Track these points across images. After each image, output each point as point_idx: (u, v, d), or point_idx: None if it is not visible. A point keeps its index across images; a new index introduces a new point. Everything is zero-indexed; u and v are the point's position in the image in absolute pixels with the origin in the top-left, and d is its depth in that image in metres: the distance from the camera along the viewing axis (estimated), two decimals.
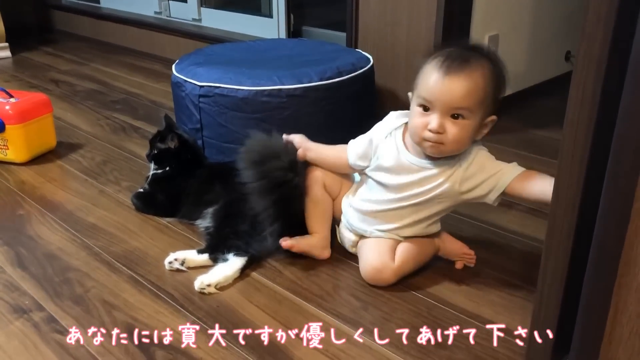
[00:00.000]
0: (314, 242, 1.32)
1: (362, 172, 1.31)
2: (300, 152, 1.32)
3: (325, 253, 1.33)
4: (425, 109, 1.14)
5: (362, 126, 1.86)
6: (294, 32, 2.75)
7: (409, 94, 1.21)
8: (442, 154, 1.17)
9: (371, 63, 1.87)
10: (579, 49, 0.73)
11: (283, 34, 2.75)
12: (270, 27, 2.80)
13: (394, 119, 1.27)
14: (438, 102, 1.12)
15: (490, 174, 1.18)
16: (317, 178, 1.33)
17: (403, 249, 1.25)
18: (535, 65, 2.42)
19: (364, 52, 1.97)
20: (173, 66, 1.89)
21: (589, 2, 0.71)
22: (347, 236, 1.33)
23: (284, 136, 1.34)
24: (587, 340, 0.81)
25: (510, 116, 2.18)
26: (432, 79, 1.12)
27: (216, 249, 1.32)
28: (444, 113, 1.12)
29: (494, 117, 1.17)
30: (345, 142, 1.89)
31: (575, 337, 0.81)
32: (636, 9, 0.67)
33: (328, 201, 1.35)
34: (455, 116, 1.12)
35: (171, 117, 1.73)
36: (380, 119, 1.30)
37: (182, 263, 1.31)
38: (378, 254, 1.24)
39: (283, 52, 2.03)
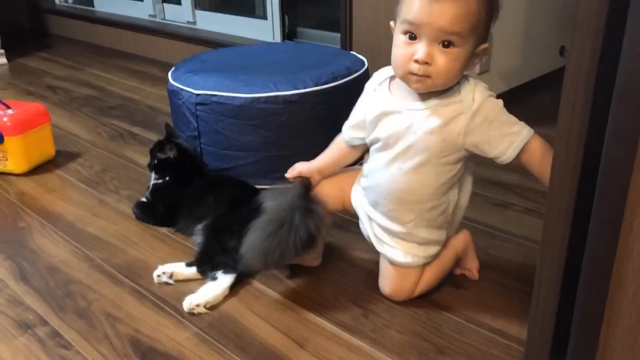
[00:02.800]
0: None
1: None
2: (314, 178, 1.24)
3: (316, 262, 1.34)
4: (412, 37, 1.04)
5: None
6: (288, 33, 2.76)
7: (391, 22, 1.11)
8: (428, 89, 1.07)
9: (366, 66, 1.88)
10: (572, 43, 0.72)
11: (278, 36, 2.75)
12: (265, 28, 2.80)
13: (380, 72, 1.19)
14: (426, 28, 1.01)
15: (502, 133, 1.08)
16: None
17: (428, 274, 1.21)
18: (530, 61, 2.43)
19: (358, 55, 1.98)
20: (169, 74, 1.89)
21: None
22: (367, 235, 1.26)
23: (289, 175, 1.25)
24: (582, 352, 0.82)
25: None
26: (419, 1, 1.01)
27: (204, 263, 1.32)
28: (432, 40, 1.02)
29: (486, 45, 1.07)
30: None
31: (570, 347, 0.83)
32: (627, 1, 0.66)
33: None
34: (445, 44, 1.02)
35: (171, 126, 1.74)
36: None
37: (170, 276, 1.31)
38: (405, 279, 1.20)
39: (278, 56, 2.03)
